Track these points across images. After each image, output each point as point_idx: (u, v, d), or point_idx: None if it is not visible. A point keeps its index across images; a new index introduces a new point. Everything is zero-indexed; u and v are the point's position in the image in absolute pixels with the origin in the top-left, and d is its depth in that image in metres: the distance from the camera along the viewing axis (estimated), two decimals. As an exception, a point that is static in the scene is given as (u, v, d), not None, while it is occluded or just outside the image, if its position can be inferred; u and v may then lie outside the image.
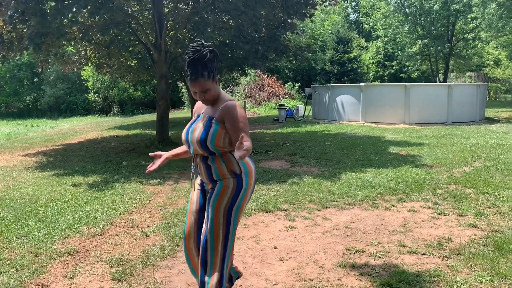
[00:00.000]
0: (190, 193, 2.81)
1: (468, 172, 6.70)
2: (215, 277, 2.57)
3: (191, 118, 2.74)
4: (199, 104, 2.76)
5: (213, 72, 2.52)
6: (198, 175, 2.74)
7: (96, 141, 12.42)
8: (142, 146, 10.91)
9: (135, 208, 5.35)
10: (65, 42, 11.34)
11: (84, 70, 24.42)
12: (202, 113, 2.67)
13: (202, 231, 2.63)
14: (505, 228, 4.23)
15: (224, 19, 11.04)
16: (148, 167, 2.74)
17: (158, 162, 2.78)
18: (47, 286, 3.33)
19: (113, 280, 3.37)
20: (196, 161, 2.68)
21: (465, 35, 25.75)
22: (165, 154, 2.82)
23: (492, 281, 3.15)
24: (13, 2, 8.35)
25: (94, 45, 12.23)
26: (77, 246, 4.07)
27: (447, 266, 3.44)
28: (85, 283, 3.34)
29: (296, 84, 28.38)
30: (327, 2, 12.20)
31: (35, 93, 28.60)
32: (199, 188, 2.76)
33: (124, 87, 27.06)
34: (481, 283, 3.15)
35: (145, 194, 5.98)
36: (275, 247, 3.96)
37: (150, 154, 2.85)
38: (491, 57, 32.84)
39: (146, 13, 12.55)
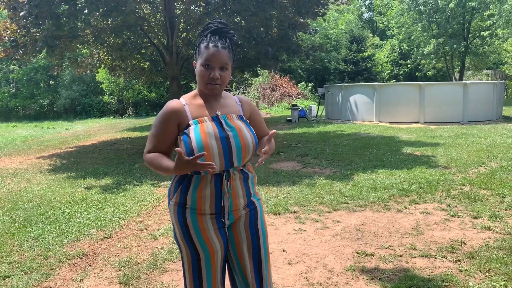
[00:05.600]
0: (201, 232, 1.98)
1: (483, 173, 6.56)
2: None
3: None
4: (189, 107, 2.04)
5: (234, 56, 2.05)
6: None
7: (109, 143, 12.51)
8: (155, 147, 10.92)
9: (145, 210, 5.35)
10: (78, 45, 11.47)
11: (98, 72, 24.63)
12: (218, 113, 2.01)
13: (256, 269, 2.11)
14: (521, 231, 4.11)
15: (235, 20, 11.03)
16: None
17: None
18: (55, 289, 3.33)
19: (120, 283, 3.36)
20: (231, 182, 1.98)
21: (482, 33, 25.32)
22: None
23: (506, 286, 3.06)
24: (27, 5, 8.49)
25: (107, 47, 12.35)
26: (86, 249, 4.08)
27: (460, 270, 3.35)
28: (92, 287, 3.34)
29: (310, 84, 28.26)
30: (339, 1, 12.09)
31: (51, 96, 28.99)
32: (215, 226, 2.02)
33: (139, 89, 27.27)
34: (495, 288, 3.05)
35: (155, 196, 5.98)
36: (283, 250, 3.91)
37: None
38: (509, 54, 32.20)
39: (158, 15, 12.61)
